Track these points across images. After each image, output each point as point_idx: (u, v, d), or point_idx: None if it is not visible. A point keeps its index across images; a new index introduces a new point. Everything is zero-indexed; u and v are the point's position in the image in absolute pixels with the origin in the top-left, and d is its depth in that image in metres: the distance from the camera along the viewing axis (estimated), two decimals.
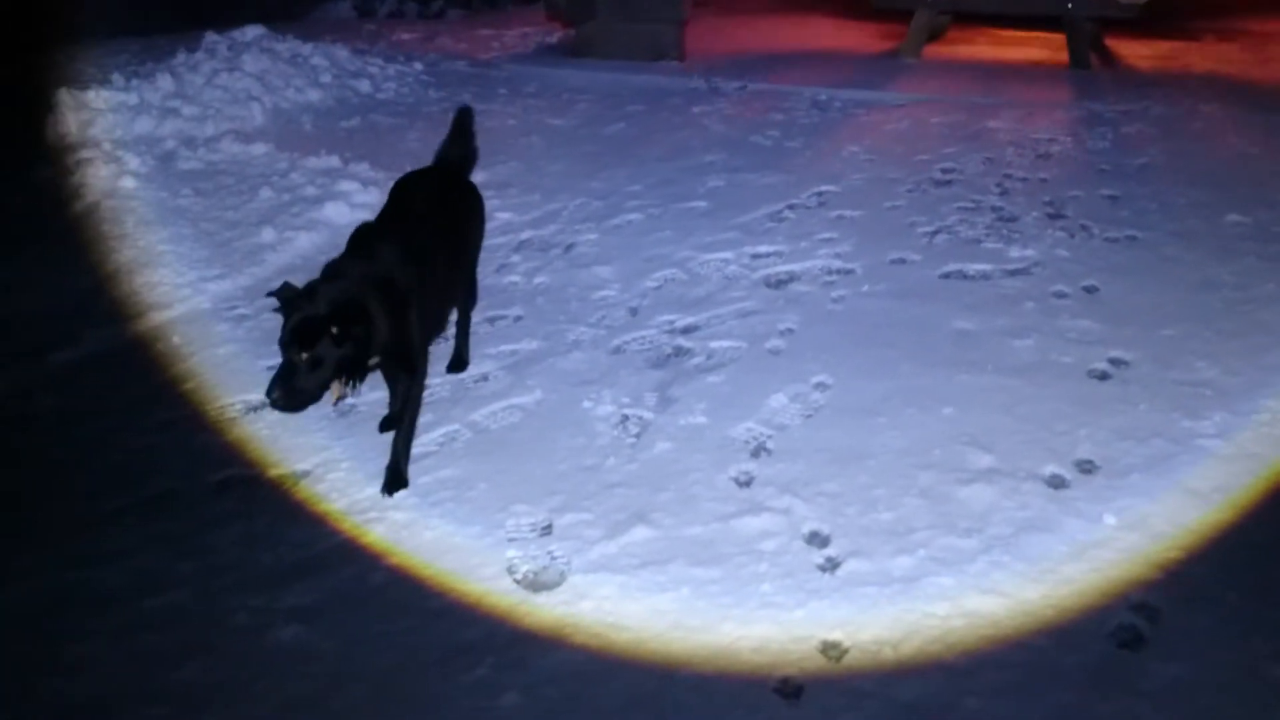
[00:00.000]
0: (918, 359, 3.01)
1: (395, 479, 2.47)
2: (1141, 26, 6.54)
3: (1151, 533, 2.27)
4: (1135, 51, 6.67)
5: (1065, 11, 6.20)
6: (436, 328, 2.69)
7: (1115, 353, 3.02)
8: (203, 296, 3.49)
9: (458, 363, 3.04)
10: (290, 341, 2.20)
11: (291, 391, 2.19)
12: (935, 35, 6.89)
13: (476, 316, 3.18)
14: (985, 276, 3.58)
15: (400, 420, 2.51)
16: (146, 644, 2.04)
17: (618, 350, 3.13)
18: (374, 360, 2.38)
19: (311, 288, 2.28)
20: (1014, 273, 3.60)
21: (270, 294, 2.30)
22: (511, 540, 2.31)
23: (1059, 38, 6.45)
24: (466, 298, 2.99)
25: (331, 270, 2.37)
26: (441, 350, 3.02)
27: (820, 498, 2.41)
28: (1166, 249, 3.78)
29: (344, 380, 2.28)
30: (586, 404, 2.82)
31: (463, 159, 3.18)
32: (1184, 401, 2.76)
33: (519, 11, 8.40)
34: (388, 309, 2.34)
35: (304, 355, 2.21)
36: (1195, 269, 3.60)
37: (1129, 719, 1.84)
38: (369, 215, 4.07)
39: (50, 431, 2.78)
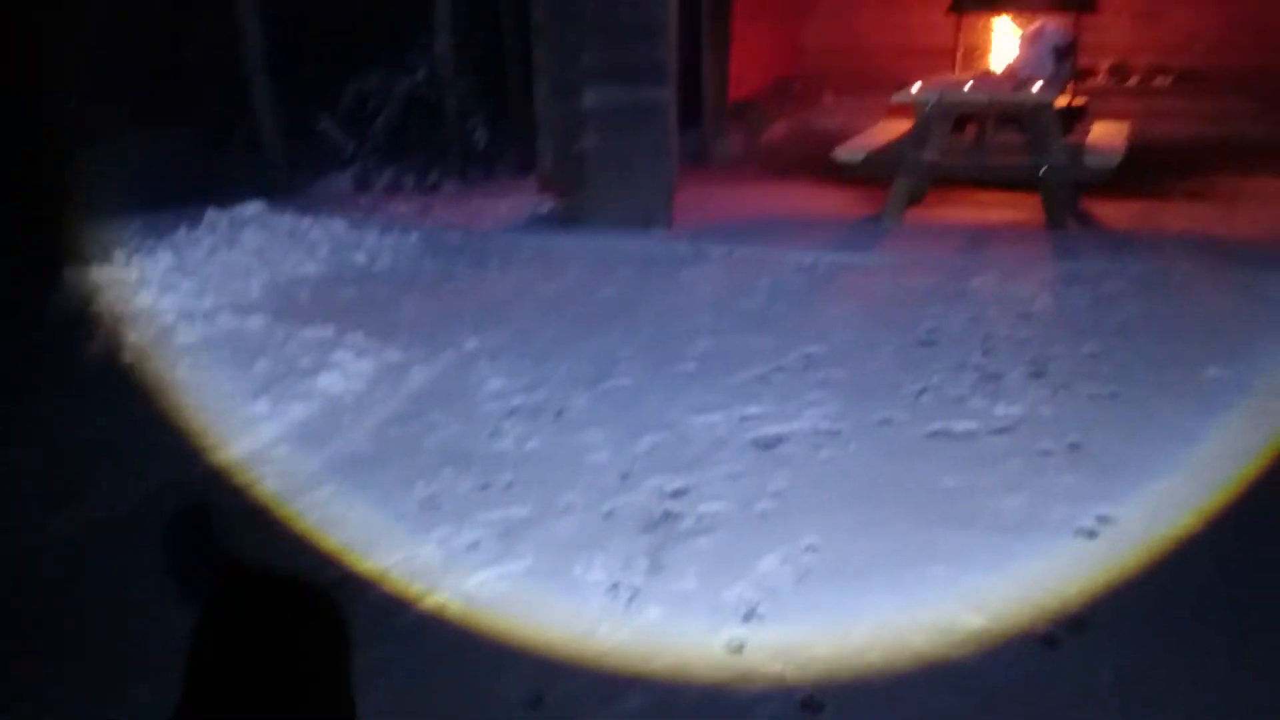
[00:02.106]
0: (907, 518, 3.03)
1: None
2: (1114, 187, 6.75)
3: (1148, 691, 2.26)
4: (1110, 211, 6.87)
5: (1039, 176, 6.42)
6: None
7: (1102, 509, 3.04)
8: (195, 468, 3.51)
9: None
10: None
11: None
12: (916, 199, 7.10)
13: (467, 484, 3.20)
14: (971, 435, 3.63)
15: None
16: None
17: (609, 515, 3.14)
18: None
19: None
20: (1000, 430, 3.65)
21: None
22: (499, 713, 2.28)
23: (1036, 199, 6.64)
24: None
25: None
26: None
27: (813, 663, 2.39)
28: (1148, 404, 3.84)
29: None
30: (577, 570, 2.83)
31: None
32: (1172, 559, 2.77)
33: (513, 182, 8.64)
34: None
35: None
36: (1177, 423, 3.66)
37: None
38: (363, 385, 4.16)
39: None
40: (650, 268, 5.87)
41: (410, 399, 4.06)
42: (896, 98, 6.85)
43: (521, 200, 7.70)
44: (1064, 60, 7.91)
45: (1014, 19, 8.34)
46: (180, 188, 7.15)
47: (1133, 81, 9.99)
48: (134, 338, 4.56)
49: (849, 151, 6.77)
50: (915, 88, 6.81)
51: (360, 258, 6.04)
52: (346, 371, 4.22)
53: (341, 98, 9.32)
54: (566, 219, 6.82)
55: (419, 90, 9.37)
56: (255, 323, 4.82)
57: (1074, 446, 3.49)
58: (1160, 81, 9.88)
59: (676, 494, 3.26)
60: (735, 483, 3.31)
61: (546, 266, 5.95)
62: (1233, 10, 9.82)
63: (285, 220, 6.27)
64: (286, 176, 7.75)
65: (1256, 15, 9.75)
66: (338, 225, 6.39)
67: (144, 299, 5.12)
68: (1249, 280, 5.35)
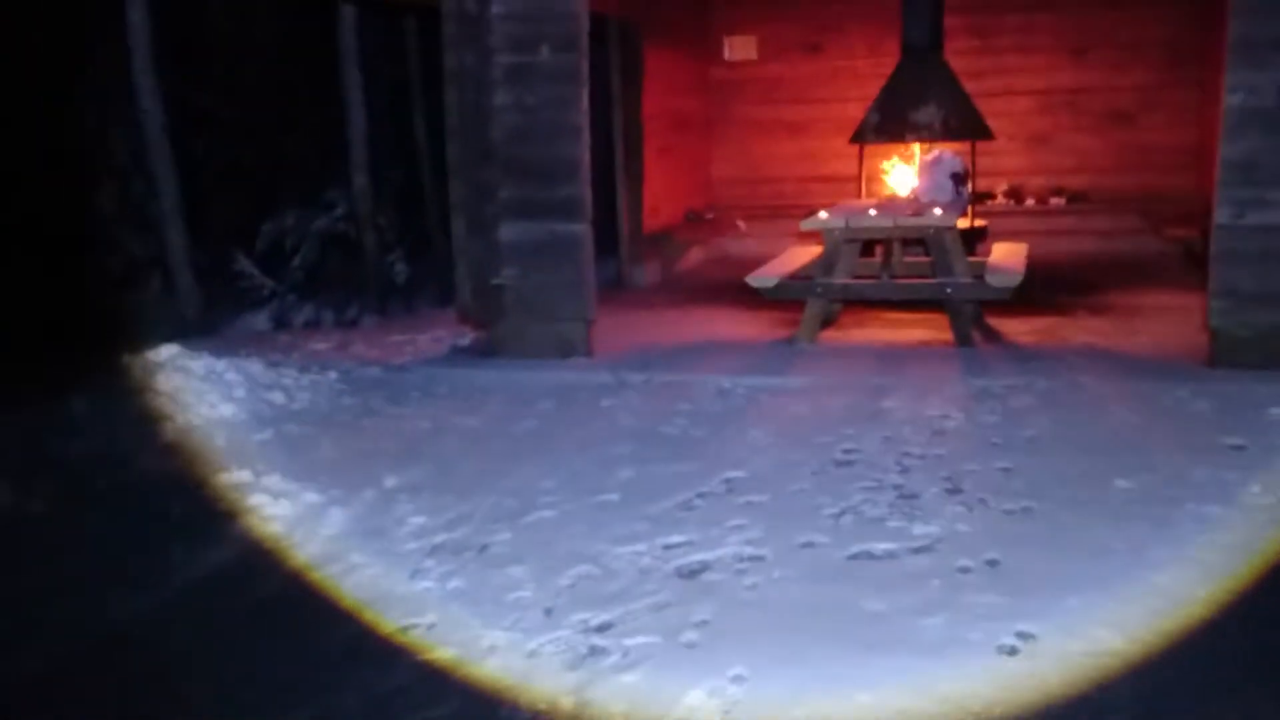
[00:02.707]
0: (831, 644, 3.04)
1: None
2: (1017, 304, 6.99)
3: None
4: (1014, 328, 7.11)
5: (945, 296, 6.64)
6: None
7: (1021, 626, 3.09)
8: (101, 623, 3.41)
9: None
10: None
11: None
12: (828, 321, 7.28)
13: (389, 627, 3.15)
14: (891, 555, 3.67)
15: None
16: None
17: (533, 654, 3.11)
18: None
19: None
20: (918, 550, 3.70)
21: None
22: None
23: (943, 317, 6.85)
24: None
25: None
26: None
27: None
28: (1061, 517, 3.93)
29: None
30: (503, 714, 2.78)
31: None
32: (1090, 673, 2.81)
33: (433, 315, 8.69)
34: None
35: None
36: (1090, 537, 3.74)
37: None
38: (280, 528, 4.09)
39: None
40: (570, 398, 5.91)
41: (329, 540, 3.99)
42: (805, 224, 7.07)
43: (441, 333, 7.73)
44: (963, 185, 8.26)
45: (914, 147, 8.71)
46: (92, 332, 7.07)
47: (1029, 203, 10.43)
48: (43, 487, 4.45)
49: (762, 278, 6.95)
50: (823, 215, 7.05)
51: (278, 397, 5.98)
52: (263, 515, 4.15)
53: (258, 236, 9.33)
54: (486, 351, 6.86)
55: (337, 227, 9.44)
56: (170, 467, 4.73)
57: (991, 563, 3.55)
58: (1055, 203, 10.34)
59: (602, 628, 3.23)
60: (661, 614, 3.30)
61: (467, 400, 5.96)
62: (1117, 135, 10.37)
63: (200, 363, 6.20)
64: (202, 317, 7.70)
65: (1139, 140, 10.31)
66: (255, 365, 6.34)
67: (54, 445, 5.00)
68: (1149, 392, 5.54)
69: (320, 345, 7.45)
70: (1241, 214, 5.66)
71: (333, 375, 6.37)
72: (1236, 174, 5.66)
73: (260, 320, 8.46)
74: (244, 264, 8.75)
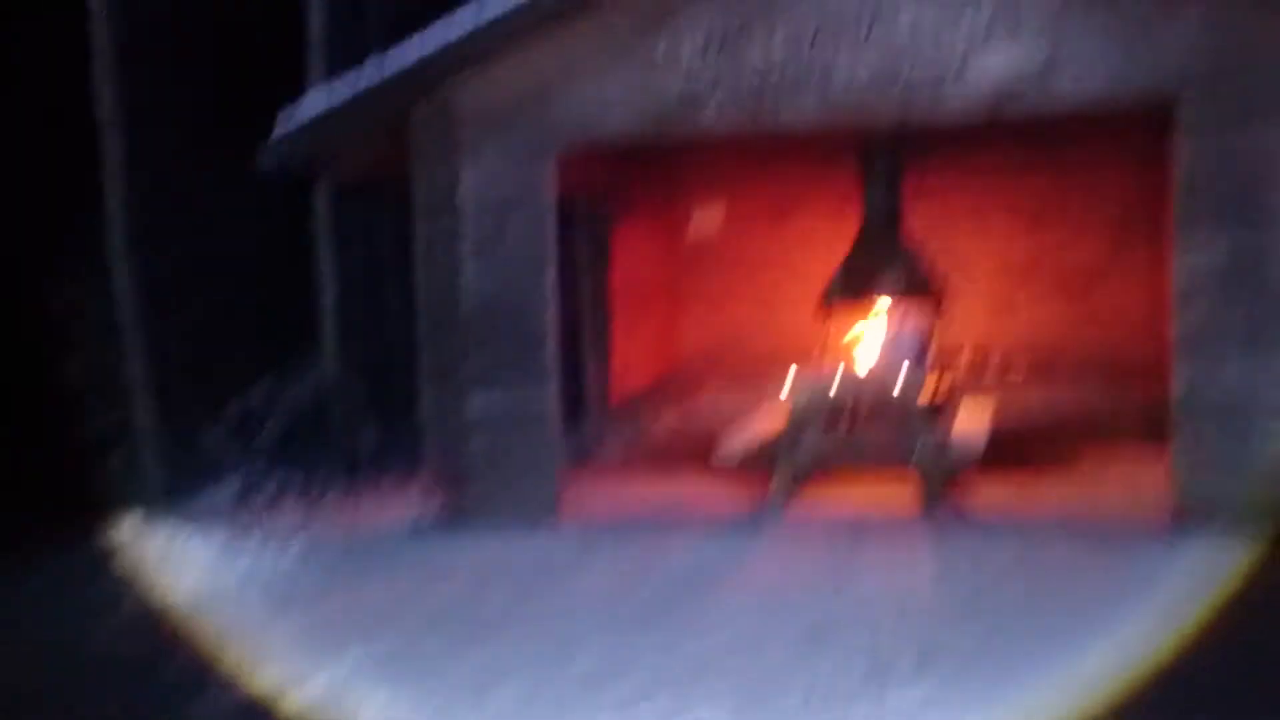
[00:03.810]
0: None
1: None
2: (983, 470, 7.02)
3: None
4: (982, 493, 7.13)
5: (911, 463, 6.68)
6: None
7: None
8: None
9: None
10: None
11: None
12: (796, 488, 7.29)
13: None
14: None
15: None
16: None
17: None
18: None
19: None
20: None
21: None
22: None
23: (912, 483, 6.86)
24: None
25: None
26: None
27: None
28: (1031, 686, 3.88)
29: None
30: None
31: None
32: None
33: (401, 485, 8.64)
34: None
35: None
36: (1062, 706, 3.70)
37: None
38: (240, 708, 3.99)
39: None
40: (537, 570, 5.85)
41: None
42: (772, 392, 7.15)
43: (409, 504, 7.67)
44: (926, 352, 8.41)
45: (878, 313, 8.87)
46: (58, 502, 7.00)
47: (991, 369, 10.58)
48: None
49: (730, 446, 6.99)
50: (790, 383, 7.14)
51: (241, 570, 5.90)
52: (220, 701, 4.04)
53: (228, 406, 9.34)
54: (454, 521, 6.81)
55: (307, 397, 9.47)
56: (126, 651, 4.62)
57: None
58: (1016, 368, 10.50)
59: None
60: None
61: (432, 573, 5.88)
62: (1075, 300, 10.61)
63: (164, 534, 6.14)
64: (168, 488, 7.64)
65: (1097, 304, 10.55)
66: (219, 537, 6.28)
67: (11, 623, 4.89)
68: (1113, 560, 5.55)
69: (286, 518, 7.38)
70: (1199, 380, 5.78)
71: (296, 549, 6.29)
72: (1192, 341, 5.80)
73: (227, 491, 8.39)
74: (212, 434, 8.73)
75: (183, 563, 5.84)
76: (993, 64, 5.88)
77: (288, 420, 9.40)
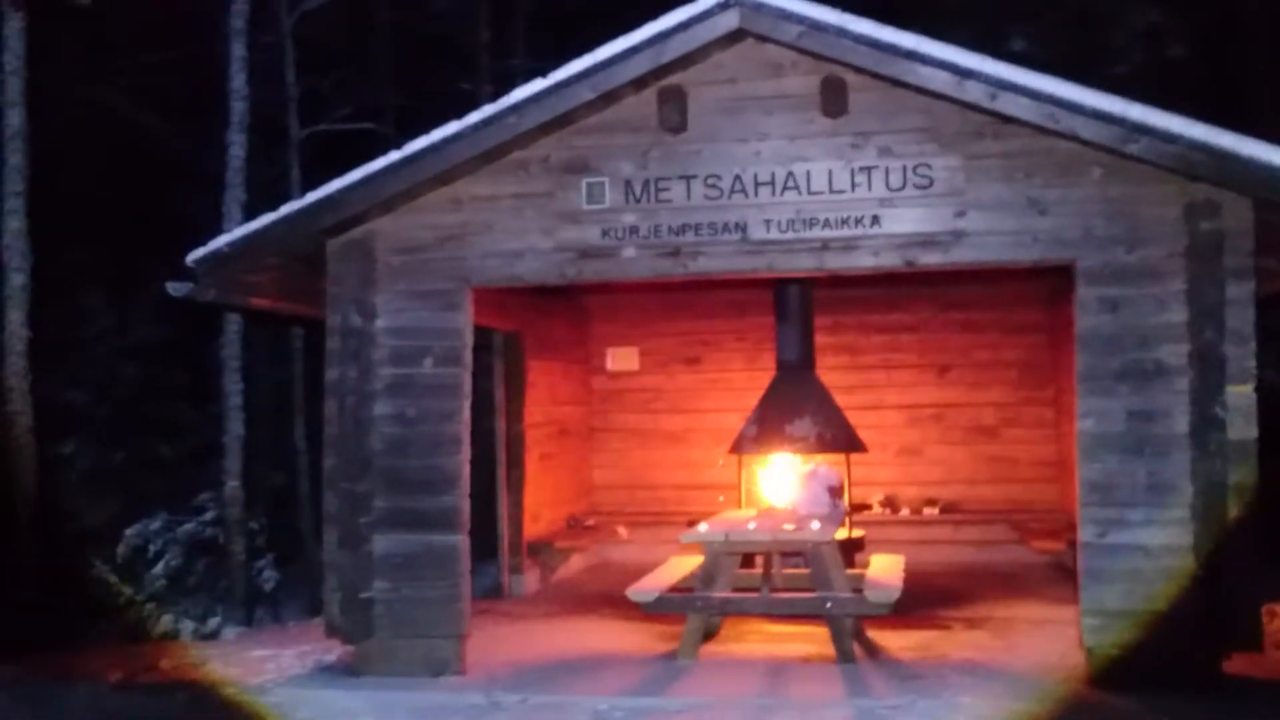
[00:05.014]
0: None
1: None
2: (896, 618, 6.98)
3: None
4: (894, 642, 7.08)
5: (825, 611, 6.62)
6: None
7: None
8: None
9: None
10: None
11: None
12: (709, 634, 7.18)
13: None
14: None
15: None
16: None
17: None
18: None
19: None
20: None
21: None
22: None
23: (824, 629, 6.79)
24: None
25: None
26: None
27: None
28: None
29: None
30: None
31: None
32: None
33: (300, 626, 8.36)
34: None
35: None
36: None
37: None
38: None
39: None
40: None
41: None
42: (685, 538, 7.07)
43: (307, 647, 7.39)
44: (839, 496, 8.41)
45: (791, 459, 8.90)
46: None
47: (903, 513, 10.66)
48: None
49: (641, 591, 6.85)
50: (702, 527, 7.08)
51: None
52: None
53: (121, 541, 8.99)
54: (354, 669, 6.54)
55: (205, 532, 9.16)
56: None
57: None
58: (928, 513, 10.59)
59: None
60: None
61: None
62: (982, 449, 10.81)
63: (30, 689, 5.77)
64: (45, 630, 7.27)
65: (1003, 453, 10.77)
66: (94, 688, 5.92)
67: None
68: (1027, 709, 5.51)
69: (174, 661, 7.03)
70: (1104, 533, 5.85)
71: (182, 698, 5.97)
72: (1096, 494, 5.89)
73: (112, 633, 8.01)
74: (101, 570, 8.37)
75: None
76: (903, 219, 6.07)
77: (184, 555, 9.07)
